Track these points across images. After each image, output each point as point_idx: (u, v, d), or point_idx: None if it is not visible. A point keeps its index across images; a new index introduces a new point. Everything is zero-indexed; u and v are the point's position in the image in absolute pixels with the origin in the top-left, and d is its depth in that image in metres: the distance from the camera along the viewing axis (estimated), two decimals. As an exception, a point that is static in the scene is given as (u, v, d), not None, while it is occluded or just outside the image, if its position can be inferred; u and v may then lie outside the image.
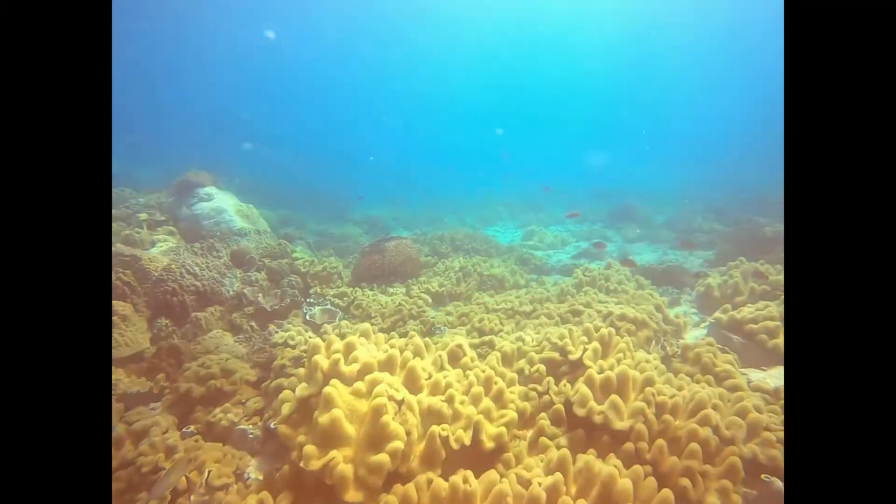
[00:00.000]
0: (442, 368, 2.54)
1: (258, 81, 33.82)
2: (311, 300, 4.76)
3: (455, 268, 5.81)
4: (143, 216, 5.78)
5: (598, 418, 2.22)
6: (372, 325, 4.38)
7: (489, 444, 2.18)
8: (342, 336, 3.61)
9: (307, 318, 4.24)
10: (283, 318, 4.49)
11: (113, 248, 4.61)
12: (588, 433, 2.31)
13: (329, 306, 4.65)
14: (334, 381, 2.11)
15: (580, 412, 2.31)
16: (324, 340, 2.56)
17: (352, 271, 5.89)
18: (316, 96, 35.51)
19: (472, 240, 7.82)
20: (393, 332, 3.24)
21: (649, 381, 2.35)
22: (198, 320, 4.12)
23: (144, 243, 5.21)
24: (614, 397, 2.25)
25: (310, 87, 35.02)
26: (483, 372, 2.55)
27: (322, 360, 2.28)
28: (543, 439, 2.32)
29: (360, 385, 2.16)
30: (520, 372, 2.85)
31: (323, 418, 1.96)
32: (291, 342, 3.37)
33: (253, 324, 4.34)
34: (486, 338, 3.36)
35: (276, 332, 3.64)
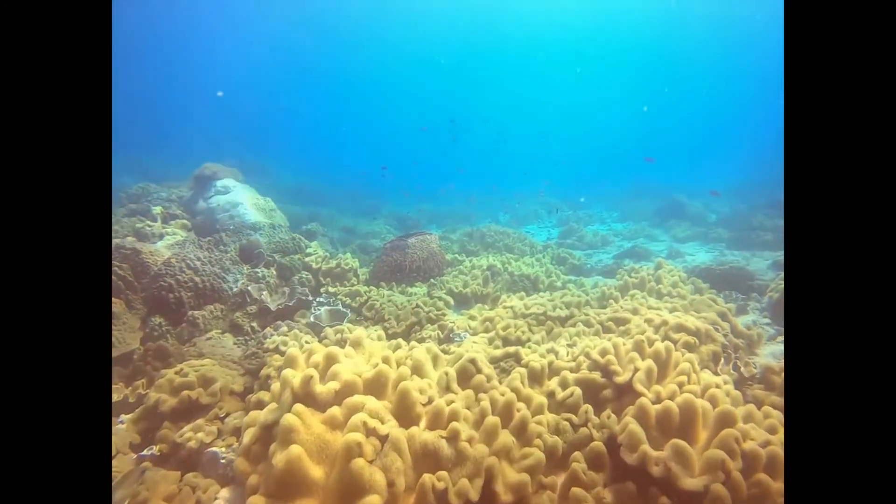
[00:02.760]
0: (448, 390, 2.00)
1: (301, 77, 34.37)
2: (322, 299, 4.34)
3: (483, 266, 5.25)
4: (157, 209, 5.57)
5: (655, 470, 1.62)
6: (385, 328, 3.91)
7: (506, 498, 1.62)
8: (341, 341, 3.14)
9: (311, 319, 3.80)
10: (288, 319, 4.08)
11: (115, 242, 4.36)
12: (641, 488, 1.70)
13: (339, 307, 4.21)
14: (298, 408, 1.61)
15: (630, 458, 1.71)
16: (303, 350, 2.08)
17: (370, 269, 5.45)
18: (352, 95, 35.73)
19: (504, 237, 7.23)
20: (396, 340, 2.73)
21: (727, 420, 1.72)
22: (194, 319, 3.77)
23: (153, 237, 4.96)
24: (679, 443, 1.64)
25: (349, 84, 35.25)
26: (502, 395, 1.99)
27: (293, 377, 1.80)
28: (578, 490, 1.74)
29: (336, 412, 1.66)
30: (550, 395, 2.27)
31: (279, 458, 1.47)
32: (284, 347, 2.92)
33: (254, 324, 3.95)
34: (512, 349, 2.79)
35: (271, 336, 3.22)
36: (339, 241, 8.89)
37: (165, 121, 24.30)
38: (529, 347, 2.96)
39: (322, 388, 1.74)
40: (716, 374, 2.52)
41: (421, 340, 3.60)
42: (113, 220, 5.77)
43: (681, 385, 2.03)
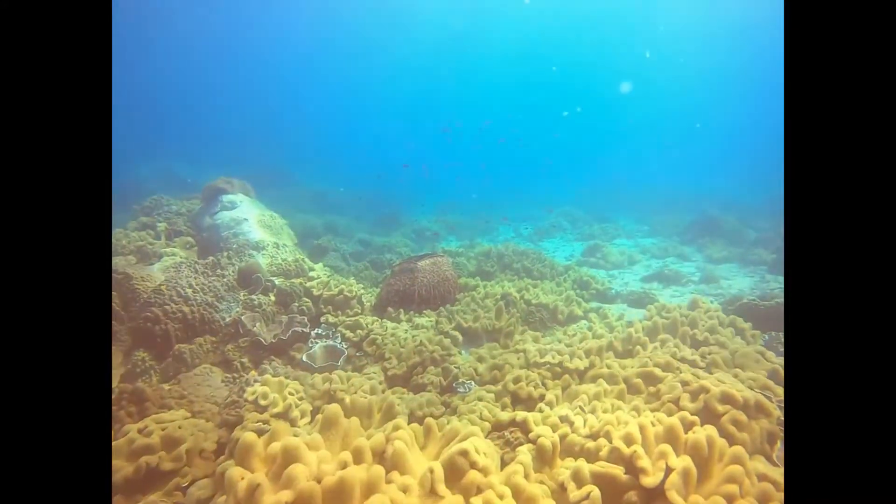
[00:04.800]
0: (433, 493, 1.63)
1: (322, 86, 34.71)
2: (320, 331, 4.03)
3: (496, 295, 4.85)
4: (162, 226, 5.40)
5: None
6: (384, 368, 3.57)
7: None
8: (329, 393, 2.81)
9: (303, 358, 3.49)
10: (283, 353, 3.79)
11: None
12: None
13: (338, 341, 3.90)
14: (231, 538, 1.27)
15: None
16: (261, 434, 1.75)
17: (378, 294, 5.12)
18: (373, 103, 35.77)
19: (523, 257, 6.80)
20: (388, 400, 2.37)
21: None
22: (181, 354, 3.51)
23: (153, 256, 4.77)
24: None
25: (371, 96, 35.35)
26: (500, 498, 1.61)
27: (237, 481, 1.46)
28: None
29: (282, 538, 1.31)
30: (561, 488, 1.87)
31: None
32: (263, 401, 2.61)
33: (245, 360, 3.67)
34: (520, 416, 2.39)
35: (255, 382, 2.91)
36: (352, 255, 8.63)
37: (193, 126, 24.74)
38: (541, 411, 2.55)
39: (271, 501, 1.39)
40: (773, 463, 2.06)
41: (422, 387, 3.24)
42: (122, 233, 5.64)
43: (730, 498, 1.60)
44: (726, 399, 2.29)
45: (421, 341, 3.71)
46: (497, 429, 2.45)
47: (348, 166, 22.55)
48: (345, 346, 3.84)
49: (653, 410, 2.43)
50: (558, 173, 23.67)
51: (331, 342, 3.77)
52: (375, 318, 4.33)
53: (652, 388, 2.65)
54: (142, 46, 23.11)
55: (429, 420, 2.10)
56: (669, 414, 2.31)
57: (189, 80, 29.42)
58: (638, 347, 3.31)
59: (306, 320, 4.12)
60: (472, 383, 3.14)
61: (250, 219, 5.58)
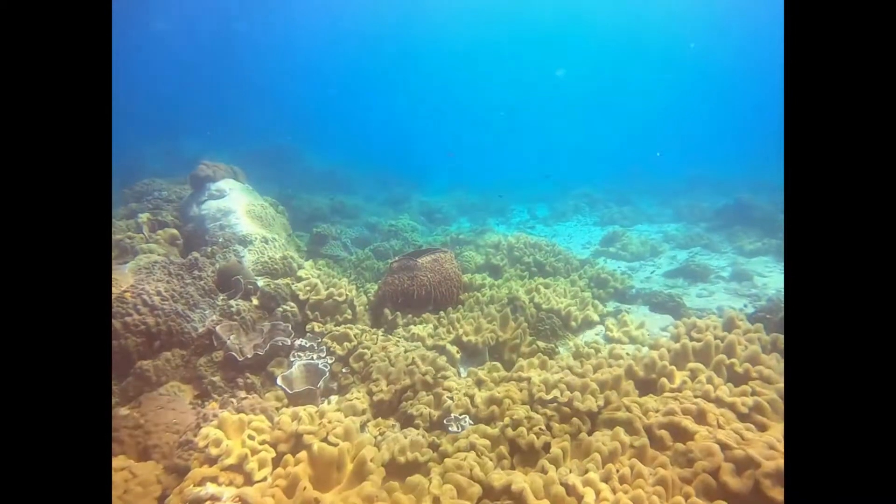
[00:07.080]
0: None
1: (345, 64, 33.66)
2: (304, 342, 3.62)
3: (503, 299, 4.37)
4: (144, 217, 5.00)
5: None
6: (370, 391, 3.16)
7: None
8: (296, 436, 2.39)
9: (278, 381, 3.09)
10: (261, 368, 3.41)
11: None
12: None
13: (323, 355, 3.48)
14: None
15: None
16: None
17: (374, 295, 4.70)
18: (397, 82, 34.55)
19: (535, 250, 6.26)
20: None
21: None
22: (143, 371, 3.15)
23: (129, 253, 4.40)
24: None
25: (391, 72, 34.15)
26: None
27: None
28: None
29: None
30: None
31: None
32: (215, 450, 2.20)
33: (217, 378, 3.30)
34: (517, 482, 1.94)
35: (212, 419, 2.51)
36: (357, 241, 8.20)
37: (200, 103, 24.16)
38: (543, 470, 2.10)
39: None
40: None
41: (410, 419, 2.83)
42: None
43: None
44: (782, 475, 1.79)
45: (413, 359, 3.27)
46: (488, 496, 2.01)
47: (358, 144, 21.95)
48: (329, 362, 3.44)
49: (684, 482, 1.96)
50: (577, 152, 22.72)
51: (312, 360, 3.36)
52: (365, 328, 3.90)
53: (681, 447, 2.16)
54: (143, 22, 22.55)
55: (397, 497, 1.67)
56: (707, 493, 1.84)
57: (196, 57, 28.64)
58: (663, 379, 2.82)
59: (290, 328, 3.72)
60: (467, 419, 2.70)
61: (238, 209, 5.14)
